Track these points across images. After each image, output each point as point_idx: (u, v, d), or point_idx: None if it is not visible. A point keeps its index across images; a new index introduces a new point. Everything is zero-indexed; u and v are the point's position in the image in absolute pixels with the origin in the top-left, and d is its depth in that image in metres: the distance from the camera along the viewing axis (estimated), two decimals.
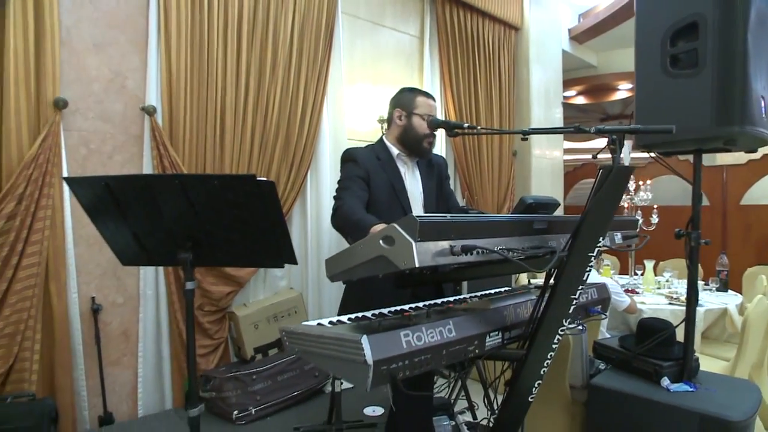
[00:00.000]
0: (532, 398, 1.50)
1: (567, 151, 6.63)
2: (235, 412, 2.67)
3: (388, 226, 1.05)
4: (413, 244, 0.99)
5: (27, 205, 2.43)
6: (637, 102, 2.12)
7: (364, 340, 1.05)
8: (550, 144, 5.44)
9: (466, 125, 1.64)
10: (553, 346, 1.43)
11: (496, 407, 1.79)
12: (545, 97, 5.38)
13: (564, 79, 5.81)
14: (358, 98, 3.84)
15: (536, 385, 1.48)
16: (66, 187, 2.61)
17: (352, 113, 3.79)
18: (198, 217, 1.28)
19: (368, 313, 1.46)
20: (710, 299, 3.53)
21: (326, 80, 3.49)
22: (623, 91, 6.47)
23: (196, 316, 2.95)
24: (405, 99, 2.09)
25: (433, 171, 2.18)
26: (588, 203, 1.29)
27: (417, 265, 0.98)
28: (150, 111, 2.81)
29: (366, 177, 1.93)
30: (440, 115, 4.44)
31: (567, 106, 6.02)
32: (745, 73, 1.82)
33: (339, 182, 1.98)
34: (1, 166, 2.41)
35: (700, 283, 3.88)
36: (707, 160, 3.71)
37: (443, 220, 1.05)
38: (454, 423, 2.60)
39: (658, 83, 2.03)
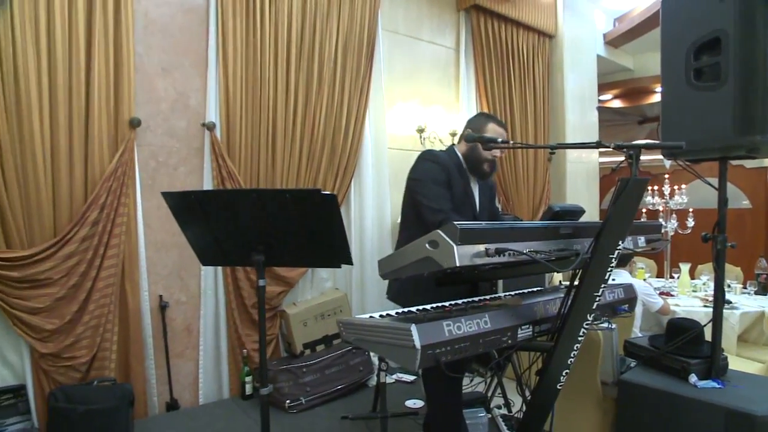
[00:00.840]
0: (560, 386, 1.66)
1: (603, 153, 6.65)
2: (288, 402, 2.92)
3: (433, 232, 1.25)
4: (455, 247, 1.19)
5: (108, 213, 2.76)
6: (663, 113, 2.24)
7: (413, 329, 1.26)
8: (589, 154, 5.51)
9: (500, 140, 1.82)
10: (579, 338, 1.60)
11: (525, 384, 1.96)
12: (580, 102, 5.45)
13: (600, 83, 5.86)
14: (397, 109, 4.06)
15: (564, 374, 1.65)
16: (139, 197, 2.94)
17: (392, 123, 4.01)
18: (270, 225, 1.52)
19: (413, 309, 1.67)
20: (748, 302, 3.56)
21: (368, 93, 3.72)
22: (660, 94, 6.43)
23: (251, 313, 3.23)
24: (477, 122, 2.33)
25: (486, 188, 2.39)
26: (608, 210, 1.45)
27: (457, 265, 1.19)
28: (210, 127, 3.11)
29: (448, 180, 2.15)
30: None
31: (603, 110, 6.05)
32: (765, 85, 1.93)
33: (424, 180, 2.15)
34: (87, 179, 2.75)
35: (738, 286, 3.90)
36: (752, 162, 3.73)
37: (479, 226, 1.25)
38: (490, 416, 2.77)
39: (682, 95, 2.15)
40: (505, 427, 2.54)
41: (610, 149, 1.50)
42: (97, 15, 2.70)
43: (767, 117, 1.92)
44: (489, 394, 2.87)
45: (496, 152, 2.28)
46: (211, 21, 3.16)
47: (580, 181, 5.38)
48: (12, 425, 2.59)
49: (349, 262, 1.62)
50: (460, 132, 4.28)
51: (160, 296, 3.05)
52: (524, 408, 2.00)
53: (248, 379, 3.15)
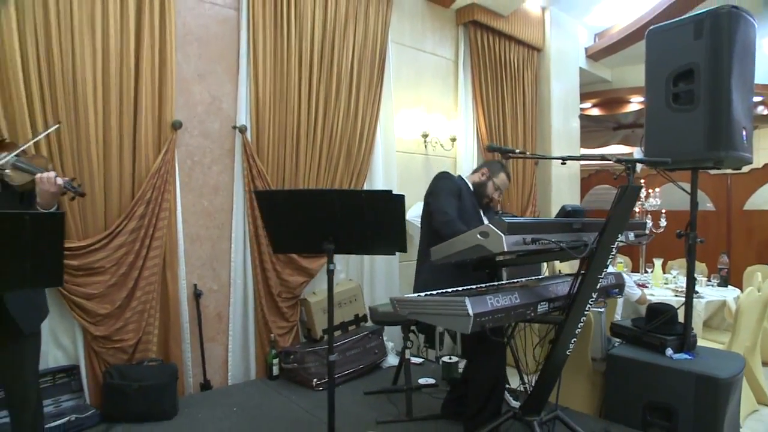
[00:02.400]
0: (569, 352, 2.06)
1: (580, 156, 7.19)
2: (315, 380, 3.25)
3: (484, 225, 1.63)
4: (503, 236, 1.56)
5: (153, 208, 3.04)
6: (646, 129, 2.67)
7: (467, 300, 1.63)
8: (570, 153, 5.97)
9: (517, 150, 2.21)
10: (585, 313, 2.00)
11: (527, 381, 2.37)
12: (564, 109, 5.93)
13: (581, 93, 6.35)
14: (403, 115, 4.41)
15: (572, 342, 2.05)
16: (178, 192, 3.21)
17: (399, 128, 4.36)
18: (341, 219, 1.86)
19: (449, 290, 2.04)
20: (711, 293, 4.05)
21: (379, 101, 4.07)
22: (635, 103, 6.99)
23: (276, 301, 3.54)
24: (494, 168, 2.75)
25: (491, 214, 2.79)
26: (610, 211, 1.85)
27: (506, 250, 1.56)
28: (242, 129, 3.41)
29: (459, 194, 2.55)
30: (472, 127, 5.01)
31: (583, 117, 6.55)
32: (729, 110, 2.37)
33: (438, 192, 2.53)
34: (134, 176, 3.02)
35: (703, 279, 4.41)
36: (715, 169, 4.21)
37: (520, 220, 1.63)
38: None
39: (663, 115, 2.59)
40: (510, 398, 2.93)
41: (592, 153, 1.88)
42: (145, 26, 2.96)
43: (730, 136, 2.36)
44: None
45: (496, 195, 2.73)
46: (242, 31, 3.45)
47: (563, 184, 5.85)
48: (66, 402, 2.85)
49: (404, 249, 1.98)
50: (461, 138, 4.69)
51: (195, 285, 3.34)
52: (527, 381, 2.38)
53: (275, 361, 3.46)
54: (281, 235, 1.97)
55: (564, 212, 2.08)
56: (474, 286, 2.10)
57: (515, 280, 2.36)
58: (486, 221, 2.73)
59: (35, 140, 2.41)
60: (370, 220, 1.86)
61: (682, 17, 2.54)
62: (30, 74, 2.58)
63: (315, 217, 1.86)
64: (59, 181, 1.94)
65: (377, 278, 4.15)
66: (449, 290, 2.03)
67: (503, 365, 2.48)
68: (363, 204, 1.82)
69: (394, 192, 1.84)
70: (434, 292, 1.98)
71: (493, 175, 2.71)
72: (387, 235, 1.92)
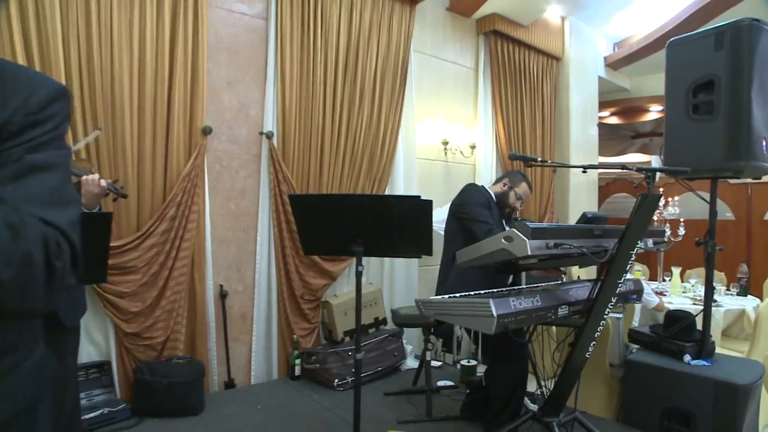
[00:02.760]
0: (588, 355, 2.11)
1: (600, 164, 7.21)
2: (336, 381, 3.33)
3: (508, 230, 1.70)
4: (527, 241, 1.63)
5: (183, 210, 3.16)
6: (666, 139, 2.72)
7: (491, 302, 1.70)
8: (588, 161, 6.01)
9: (539, 159, 2.27)
10: (604, 317, 2.05)
11: (544, 385, 2.42)
12: (582, 118, 5.96)
13: (599, 101, 6.38)
14: (424, 122, 4.50)
15: (592, 345, 2.10)
16: (207, 196, 3.33)
17: (420, 135, 4.45)
18: (371, 223, 1.95)
19: (471, 293, 2.11)
20: (730, 302, 4.04)
21: (401, 109, 4.16)
22: (654, 112, 6.99)
23: (299, 303, 3.64)
24: (515, 178, 2.83)
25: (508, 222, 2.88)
26: (630, 218, 1.91)
27: (529, 254, 1.63)
28: (269, 135, 3.53)
29: (488, 204, 2.65)
30: (491, 135, 5.07)
31: (601, 126, 6.57)
32: (749, 120, 2.41)
33: (471, 204, 2.63)
34: (166, 179, 3.15)
35: (722, 288, 4.40)
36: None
37: (542, 225, 1.70)
38: None
39: (682, 125, 2.63)
40: (528, 401, 2.98)
41: (610, 161, 1.94)
42: (179, 36, 3.10)
43: (750, 146, 2.40)
44: None
45: (518, 205, 2.79)
46: (270, 40, 3.57)
47: (582, 192, 5.87)
48: (98, 396, 2.97)
49: (430, 252, 2.06)
50: (480, 145, 4.75)
51: (221, 286, 3.45)
52: (545, 385, 2.43)
53: (297, 361, 3.55)
54: (312, 237, 2.06)
55: (585, 219, 2.14)
56: (497, 290, 2.17)
57: (536, 285, 2.43)
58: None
59: (81, 145, 2.55)
60: (399, 224, 1.94)
61: (703, 29, 2.58)
62: (73, 83, 2.73)
63: (345, 220, 1.96)
64: (103, 183, 2.06)
65: (397, 282, 4.23)
66: (472, 293, 2.10)
67: (525, 370, 2.53)
68: (392, 208, 1.91)
69: None
70: (457, 295, 2.05)
71: (515, 185, 2.78)
72: (414, 239, 2.01)
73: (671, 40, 2.74)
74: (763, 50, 2.45)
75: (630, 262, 1.99)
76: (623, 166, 2.02)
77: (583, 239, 1.90)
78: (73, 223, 0.70)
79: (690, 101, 2.61)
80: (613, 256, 1.92)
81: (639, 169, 1.94)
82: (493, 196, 2.81)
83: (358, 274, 2.04)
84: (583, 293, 2.13)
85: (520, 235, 1.64)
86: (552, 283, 2.31)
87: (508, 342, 2.08)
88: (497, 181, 2.93)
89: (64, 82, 2.69)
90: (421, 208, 1.93)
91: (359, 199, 1.94)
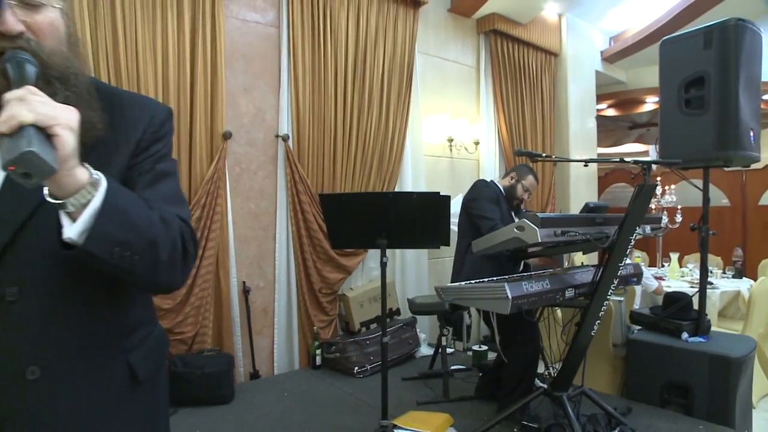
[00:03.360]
0: (593, 333, 2.31)
1: (600, 155, 7.43)
2: (356, 368, 3.53)
3: (520, 221, 1.89)
4: (537, 230, 1.83)
5: (207, 212, 3.35)
6: (661, 131, 2.91)
7: (506, 285, 1.90)
8: (587, 152, 6.20)
9: (543, 154, 2.47)
10: (607, 298, 2.25)
11: (551, 365, 2.62)
12: (581, 111, 6.15)
13: (597, 94, 6.56)
14: (429, 120, 4.69)
15: (596, 325, 2.30)
16: (229, 197, 3.52)
17: (426, 133, 4.63)
18: (394, 217, 2.14)
19: (485, 279, 2.30)
20: (726, 284, 4.25)
21: (408, 108, 4.35)
22: (650, 103, 7.17)
23: (318, 296, 3.84)
24: (522, 171, 3.02)
25: (518, 213, 3.07)
26: (629, 207, 2.10)
27: (539, 241, 1.83)
28: (285, 138, 3.71)
29: (497, 200, 2.84)
30: (493, 130, 5.26)
31: (599, 117, 6.76)
32: (737, 113, 2.60)
33: (481, 199, 2.82)
34: (191, 182, 3.33)
35: (718, 271, 4.61)
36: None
37: (550, 215, 1.90)
38: None
39: (675, 119, 2.82)
40: (538, 381, 3.18)
41: (609, 152, 2.12)
42: (199, 46, 3.27)
43: (738, 137, 2.59)
44: None
45: (526, 197, 2.98)
46: (283, 47, 3.75)
47: (582, 183, 6.07)
48: None
49: (447, 243, 2.26)
50: (483, 141, 4.94)
51: (244, 282, 3.64)
52: (551, 366, 2.63)
53: (318, 351, 3.75)
54: (340, 233, 2.26)
55: (587, 208, 2.34)
56: (509, 276, 2.37)
57: (544, 270, 2.62)
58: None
59: None
60: (420, 218, 2.14)
61: (693, 29, 2.77)
62: None
63: (371, 216, 2.15)
64: None
65: (408, 274, 4.43)
66: (486, 279, 2.30)
67: (537, 350, 2.74)
68: (414, 204, 2.11)
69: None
70: (473, 281, 2.25)
71: (522, 178, 2.97)
72: (434, 231, 2.20)
73: (664, 39, 2.93)
74: (748, 47, 2.64)
75: (629, 247, 2.19)
76: (621, 160, 2.21)
77: (587, 227, 2.09)
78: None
79: (682, 96, 2.80)
80: (613, 241, 2.12)
81: (635, 162, 2.14)
82: (502, 190, 3.00)
83: (383, 265, 2.24)
84: (588, 277, 2.33)
85: (531, 224, 1.84)
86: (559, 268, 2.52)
87: (521, 324, 2.28)
88: (505, 174, 3.12)
89: None
90: (440, 203, 2.13)
91: (384, 196, 2.14)
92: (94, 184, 0.69)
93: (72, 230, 0.68)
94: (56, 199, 0.67)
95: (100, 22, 2.90)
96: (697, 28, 2.75)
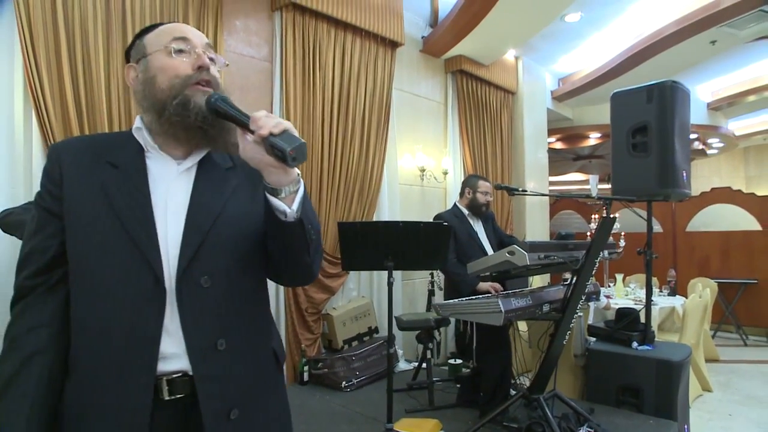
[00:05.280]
0: (564, 341, 2.71)
1: (568, 193, 8.12)
2: (343, 382, 3.77)
3: (511, 246, 2.27)
4: (526, 254, 2.21)
5: None
6: (613, 171, 3.41)
7: (500, 300, 2.26)
8: (540, 181, 6.81)
9: (520, 189, 2.88)
10: (577, 312, 2.67)
11: (517, 373, 3.01)
12: (534, 143, 6.77)
13: (548, 129, 7.24)
14: (403, 152, 5.08)
15: (567, 335, 2.70)
16: None
17: (401, 163, 5.01)
18: (401, 243, 2.46)
19: (473, 297, 2.66)
20: (662, 301, 4.84)
21: (386, 141, 4.72)
22: (593, 138, 7.97)
23: (305, 316, 4.06)
24: (472, 182, 3.41)
25: (488, 220, 3.48)
26: (594, 234, 2.54)
27: (528, 264, 2.20)
28: None
29: (453, 232, 3.18)
30: (459, 161, 5.72)
31: (549, 150, 7.43)
32: (673, 157, 3.13)
33: None
34: None
35: (656, 290, 5.22)
36: None
37: (537, 242, 2.29)
38: None
39: (625, 160, 3.33)
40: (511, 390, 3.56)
41: (557, 180, 2.53)
42: None
43: (675, 177, 3.12)
44: None
45: (488, 198, 3.39)
46: (275, 81, 4.03)
47: (536, 210, 6.65)
48: None
49: (445, 265, 2.60)
50: (451, 171, 5.37)
51: None
52: (518, 378, 3.02)
53: (305, 368, 3.96)
54: (353, 256, 2.55)
55: (560, 236, 2.77)
56: (499, 293, 2.75)
57: (519, 290, 3.02)
58: (482, 234, 3.38)
59: None
60: (423, 244, 2.47)
61: (637, 86, 3.31)
62: (114, 126, 3.07)
63: (381, 242, 2.46)
64: None
65: (383, 295, 4.72)
66: (479, 296, 2.66)
67: (509, 358, 3.11)
68: (420, 231, 2.44)
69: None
70: (465, 299, 2.60)
71: (475, 188, 3.38)
72: (435, 255, 2.54)
73: (614, 92, 3.46)
74: (680, 103, 3.20)
75: (594, 269, 2.62)
76: (587, 195, 2.66)
77: (562, 252, 2.51)
78: None
79: (630, 141, 3.32)
80: (582, 264, 2.54)
81: (599, 198, 2.58)
82: (463, 209, 3.38)
83: (390, 284, 2.55)
84: (559, 294, 2.74)
85: (521, 250, 2.22)
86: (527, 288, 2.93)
87: (495, 334, 2.64)
88: (461, 194, 3.51)
89: (108, 126, 3.04)
90: (442, 231, 2.48)
91: (395, 225, 2.46)
92: (298, 180, 0.97)
93: (293, 208, 0.95)
94: (274, 188, 0.94)
95: (113, 58, 3.08)
96: (641, 86, 3.30)
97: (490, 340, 2.96)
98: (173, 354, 0.96)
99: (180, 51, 1.02)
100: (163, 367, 0.95)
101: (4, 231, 2.33)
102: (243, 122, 0.95)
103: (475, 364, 3.17)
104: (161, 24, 1.10)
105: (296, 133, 0.91)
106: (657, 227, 7.18)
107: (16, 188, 2.81)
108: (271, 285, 3.52)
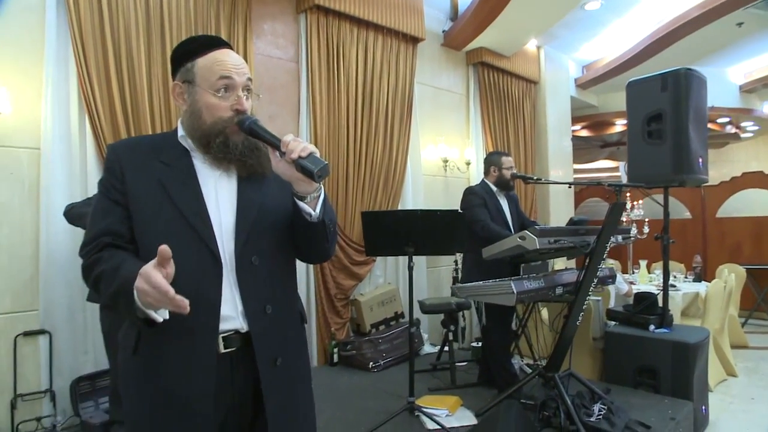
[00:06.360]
0: (578, 323, 2.85)
1: (576, 171, 8.13)
2: (371, 363, 3.99)
3: (522, 232, 2.43)
4: (536, 239, 2.36)
5: None
6: (629, 158, 3.50)
7: (512, 283, 2.42)
8: (564, 169, 6.85)
9: (535, 177, 3.02)
10: (589, 294, 2.80)
11: (538, 357, 3.18)
12: (558, 132, 6.81)
13: (572, 117, 7.25)
14: (426, 143, 5.24)
15: (580, 317, 2.84)
16: None
17: (424, 155, 5.18)
18: (420, 230, 2.64)
19: (490, 281, 2.82)
20: (687, 287, 4.86)
21: (409, 133, 4.89)
22: (619, 125, 7.91)
23: (334, 301, 4.30)
24: (494, 159, 3.53)
25: (513, 201, 3.60)
26: (605, 220, 2.66)
27: (537, 248, 2.35)
28: None
29: (484, 202, 3.34)
30: (482, 151, 5.83)
31: (574, 138, 7.44)
32: (688, 143, 3.20)
33: (470, 206, 3.32)
34: None
35: (681, 275, 5.24)
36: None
37: (546, 228, 2.44)
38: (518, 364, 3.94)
39: (641, 148, 3.41)
40: (528, 369, 3.71)
41: (584, 167, 2.64)
42: None
43: (690, 163, 3.20)
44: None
45: (513, 172, 3.51)
46: (302, 80, 4.25)
47: (560, 198, 6.69)
48: None
49: (462, 249, 2.78)
50: (473, 161, 5.49)
51: None
52: (539, 359, 3.17)
53: (335, 350, 4.20)
54: (376, 243, 2.76)
55: (572, 222, 2.90)
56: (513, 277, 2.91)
57: (543, 274, 3.16)
58: (507, 211, 3.53)
59: None
60: (441, 230, 2.65)
61: (652, 74, 3.38)
62: (156, 127, 3.35)
63: (401, 229, 2.65)
64: None
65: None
66: (494, 280, 2.82)
67: (509, 336, 3.40)
68: (438, 219, 2.62)
69: None
70: (480, 282, 2.77)
71: (500, 165, 3.50)
72: (451, 240, 2.72)
73: (629, 81, 3.54)
74: (695, 90, 3.26)
75: (605, 253, 2.74)
76: (598, 183, 2.78)
77: (573, 237, 2.64)
78: None
79: (645, 129, 3.40)
80: (593, 248, 2.67)
81: (609, 185, 2.70)
82: (492, 186, 3.53)
83: (410, 268, 2.75)
84: (573, 277, 2.87)
85: (532, 235, 2.37)
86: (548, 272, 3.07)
87: (502, 314, 2.82)
88: (486, 173, 3.62)
89: (150, 127, 3.32)
90: (457, 218, 2.65)
91: (414, 213, 2.65)
92: (319, 187, 1.21)
93: (317, 211, 1.20)
94: (301, 194, 1.18)
95: (153, 63, 3.35)
96: (656, 74, 3.37)
97: (496, 317, 3.15)
98: (229, 316, 1.19)
99: (224, 90, 1.21)
100: (222, 326, 1.19)
101: (69, 222, 2.64)
102: (275, 144, 1.17)
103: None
104: (209, 47, 1.25)
105: (318, 155, 1.14)
106: (686, 213, 7.13)
107: (73, 185, 3.13)
108: (301, 274, 3.75)
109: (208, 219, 1.20)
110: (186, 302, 0.96)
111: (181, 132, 1.28)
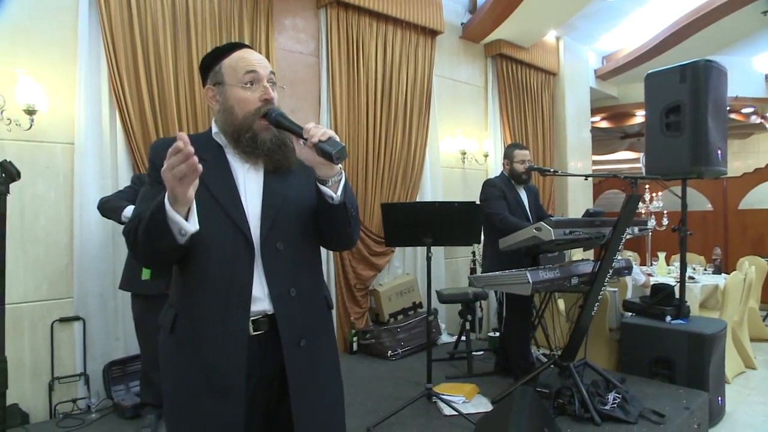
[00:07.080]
0: (594, 313, 2.90)
1: (595, 162, 8.07)
2: (389, 352, 4.10)
3: (538, 223, 2.48)
4: (552, 230, 2.41)
5: None
6: (647, 150, 3.50)
7: (527, 272, 2.48)
8: (583, 161, 6.83)
9: (552, 169, 3.06)
10: (605, 285, 2.84)
11: (555, 347, 3.23)
12: (577, 123, 6.77)
13: (591, 108, 7.20)
14: (445, 135, 5.28)
15: (595, 307, 2.88)
16: None
17: (442, 147, 5.23)
18: (438, 221, 2.72)
19: (506, 271, 2.88)
20: (706, 279, 4.84)
21: (427, 126, 4.94)
22: (639, 116, 7.81)
23: (353, 291, 4.41)
24: (508, 153, 3.58)
25: (531, 193, 3.64)
26: (620, 212, 2.69)
27: (553, 239, 2.41)
28: None
29: (503, 194, 3.38)
30: (500, 144, 5.85)
31: (594, 129, 7.39)
32: (707, 135, 3.20)
33: (489, 198, 3.36)
34: None
35: (700, 267, 5.21)
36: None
37: (562, 219, 2.49)
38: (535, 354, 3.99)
39: (658, 139, 3.42)
40: (544, 359, 3.76)
41: (603, 159, 2.67)
42: None
43: (708, 155, 3.19)
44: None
45: (527, 165, 3.53)
46: (323, 75, 4.33)
47: (579, 190, 6.68)
48: None
49: (478, 241, 2.85)
50: (491, 153, 5.52)
51: None
52: (555, 350, 3.22)
53: (354, 338, 4.31)
54: (395, 233, 2.85)
55: (588, 214, 2.93)
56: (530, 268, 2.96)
57: (559, 265, 3.21)
58: (525, 202, 3.57)
59: None
60: (458, 221, 2.72)
61: (670, 66, 3.37)
62: (182, 125, 3.47)
63: (420, 220, 2.73)
64: None
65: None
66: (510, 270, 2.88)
67: (528, 328, 3.38)
68: (455, 210, 2.70)
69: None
70: (497, 272, 2.83)
71: (513, 158, 3.52)
72: (468, 231, 2.79)
73: (647, 73, 3.54)
74: (714, 82, 3.25)
75: (621, 244, 2.78)
76: (614, 175, 2.81)
77: (588, 228, 2.68)
78: None
79: (663, 121, 3.40)
80: (609, 240, 2.71)
81: (625, 177, 2.73)
82: (509, 178, 3.56)
83: (428, 258, 2.83)
84: (588, 268, 2.91)
85: (547, 226, 2.43)
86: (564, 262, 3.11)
87: (522, 305, 2.87)
88: (503, 165, 3.67)
89: (177, 121, 3.45)
90: (474, 209, 2.72)
91: (432, 205, 2.73)
92: (340, 172, 1.28)
93: (338, 194, 1.27)
94: (323, 179, 1.26)
95: (180, 62, 3.47)
96: (674, 66, 3.36)
97: (515, 309, 3.21)
98: (258, 297, 1.29)
99: (251, 83, 1.31)
100: (253, 307, 1.28)
101: (102, 215, 2.78)
102: (298, 132, 1.25)
103: (501, 331, 3.44)
104: (232, 49, 1.36)
105: (338, 139, 1.21)
106: (708, 205, 7.04)
107: (105, 178, 3.27)
108: (322, 264, 3.87)
109: (242, 207, 1.30)
110: (184, 135, 1.06)
111: (215, 129, 1.39)
